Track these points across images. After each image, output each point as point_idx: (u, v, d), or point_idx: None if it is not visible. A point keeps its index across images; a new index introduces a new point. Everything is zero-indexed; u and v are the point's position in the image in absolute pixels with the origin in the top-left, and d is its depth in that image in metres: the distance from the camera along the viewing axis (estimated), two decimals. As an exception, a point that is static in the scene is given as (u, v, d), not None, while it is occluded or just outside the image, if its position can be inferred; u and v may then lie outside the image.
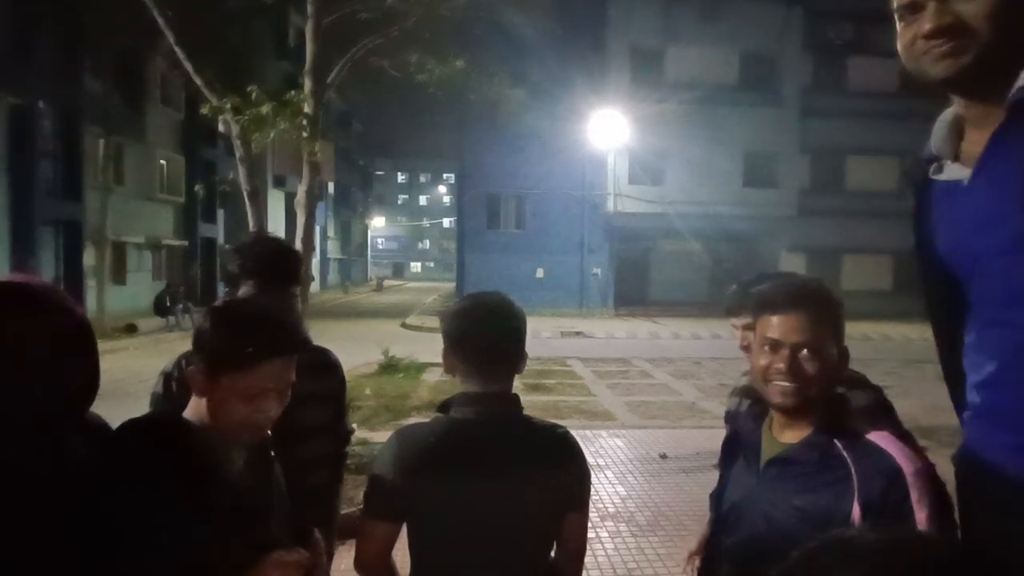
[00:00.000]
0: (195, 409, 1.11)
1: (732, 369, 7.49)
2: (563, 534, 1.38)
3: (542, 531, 1.35)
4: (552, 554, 1.39)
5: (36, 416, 0.94)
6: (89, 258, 16.17)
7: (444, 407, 1.32)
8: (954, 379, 1.09)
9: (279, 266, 1.77)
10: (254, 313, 1.20)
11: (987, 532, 0.98)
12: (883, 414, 1.48)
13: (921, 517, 1.05)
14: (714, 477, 1.42)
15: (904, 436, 1.30)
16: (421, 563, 1.33)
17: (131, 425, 1.11)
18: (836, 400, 1.22)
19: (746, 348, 1.70)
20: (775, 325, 1.19)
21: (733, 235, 20.04)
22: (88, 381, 1.02)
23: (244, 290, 1.71)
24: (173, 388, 1.64)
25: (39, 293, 0.99)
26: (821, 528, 1.06)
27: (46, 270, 14.72)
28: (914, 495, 1.05)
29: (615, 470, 5.25)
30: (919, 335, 14.71)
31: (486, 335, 1.29)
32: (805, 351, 1.16)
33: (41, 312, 0.96)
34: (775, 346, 1.18)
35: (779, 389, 1.17)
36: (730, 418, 1.81)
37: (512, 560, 1.31)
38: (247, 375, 1.06)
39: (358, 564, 1.33)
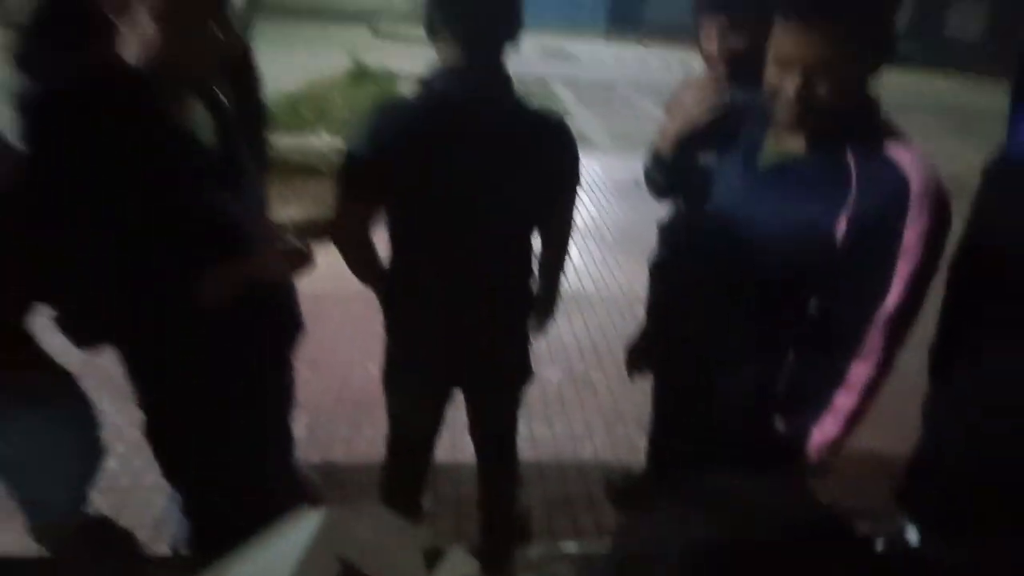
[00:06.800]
0: (122, 44, 0.93)
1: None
2: (549, 225, 1.35)
3: (527, 220, 1.31)
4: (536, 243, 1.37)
5: None
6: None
7: (426, 82, 1.16)
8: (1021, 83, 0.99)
9: None
10: None
11: (1000, 229, 0.97)
12: None
13: (911, 234, 0.98)
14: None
15: None
16: (398, 246, 1.30)
17: (54, 71, 0.95)
18: (863, 105, 1.05)
19: (710, 58, 1.48)
20: (791, 38, 0.95)
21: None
22: None
23: None
24: (31, 42, 1.20)
25: None
26: (805, 241, 1.03)
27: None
28: (912, 213, 0.97)
29: (589, 192, 5.33)
30: (918, 84, 14.19)
31: None
32: (823, 74, 0.95)
33: None
34: (788, 64, 0.97)
35: (787, 113, 1.01)
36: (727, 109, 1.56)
37: (494, 247, 1.28)
38: None
39: (336, 244, 1.30)
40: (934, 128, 9.02)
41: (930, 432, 1.19)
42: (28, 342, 1.07)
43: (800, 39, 0.95)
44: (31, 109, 0.87)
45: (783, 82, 0.99)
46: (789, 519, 0.46)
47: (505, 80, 1.17)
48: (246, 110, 1.62)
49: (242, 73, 1.62)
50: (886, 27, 0.98)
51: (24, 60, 1.17)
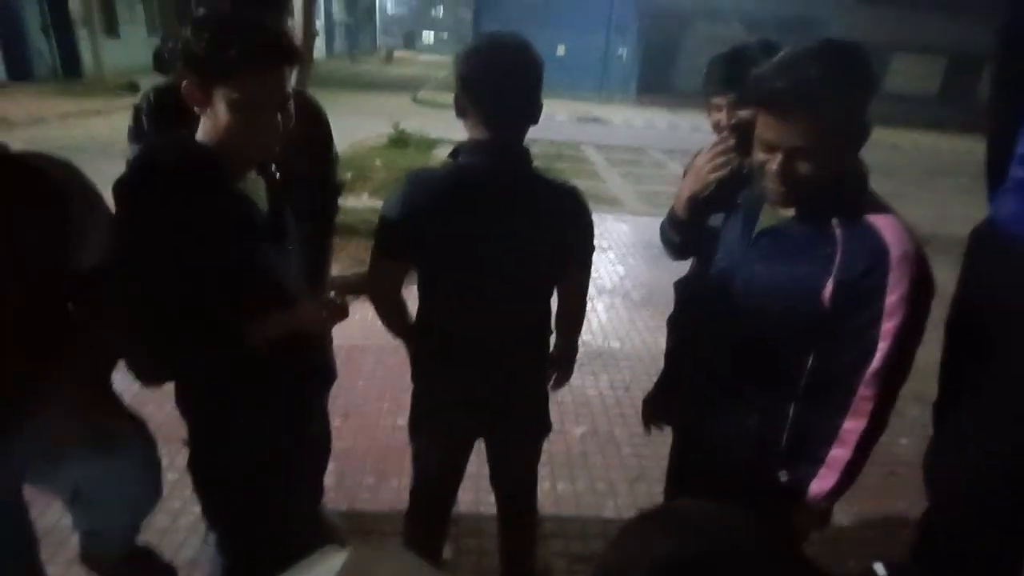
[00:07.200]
0: (203, 131, 1.11)
1: (748, 164, 7.31)
2: (565, 286, 1.45)
3: (544, 281, 1.41)
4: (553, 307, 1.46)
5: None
6: (75, 4, 14.99)
7: (454, 153, 1.30)
8: (998, 151, 1.07)
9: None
10: (237, 20, 1.09)
11: (987, 293, 1.03)
12: None
13: (892, 299, 1.04)
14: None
15: None
16: (426, 303, 1.41)
17: (146, 151, 1.13)
18: (846, 178, 1.13)
19: (717, 126, 1.59)
20: (770, 125, 1.06)
21: (781, 21, 18.09)
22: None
23: None
24: (144, 122, 1.59)
25: None
26: (796, 302, 1.12)
27: (31, 19, 13.79)
28: (892, 277, 1.04)
29: (617, 252, 5.44)
30: (950, 147, 14.15)
31: (498, 77, 1.21)
32: (801, 156, 1.05)
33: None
34: (770, 147, 1.08)
35: (772, 189, 1.12)
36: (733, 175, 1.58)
37: (513, 306, 1.38)
38: (238, 85, 1.02)
39: (371, 299, 1.43)
40: (973, 190, 8.95)
41: (936, 483, 1.21)
42: (110, 390, 1.21)
43: (779, 127, 1.05)
44: (134, 170, 1.08)
45: (768, 162, 1.10)
46: (739, 542, 0.53)
47: (524, 154, 1.30)
48: (318, 184, 1.79)
49: (318, 151, 1.79)
50: (858, 114, 1.07)
51: (135, 134, 1.57)
